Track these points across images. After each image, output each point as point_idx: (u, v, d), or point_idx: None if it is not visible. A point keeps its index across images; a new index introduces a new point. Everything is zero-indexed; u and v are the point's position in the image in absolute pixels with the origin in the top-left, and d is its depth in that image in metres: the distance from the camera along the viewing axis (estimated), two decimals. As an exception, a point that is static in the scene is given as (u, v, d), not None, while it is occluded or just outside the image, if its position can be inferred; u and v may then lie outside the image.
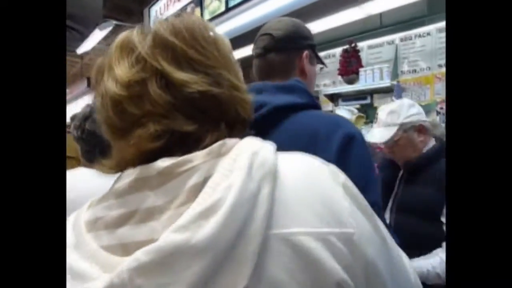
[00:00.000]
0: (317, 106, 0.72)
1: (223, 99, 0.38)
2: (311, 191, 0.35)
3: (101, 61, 0.39)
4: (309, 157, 0.40)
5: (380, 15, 3.02)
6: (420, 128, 1.16)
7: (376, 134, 1.16)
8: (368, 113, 3.05)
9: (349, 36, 3.17)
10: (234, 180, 0.32)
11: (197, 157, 0.34)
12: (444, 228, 0.99)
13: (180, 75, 0.36)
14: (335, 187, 0.37)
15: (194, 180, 0.33)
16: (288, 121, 0.67)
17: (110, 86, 0.36)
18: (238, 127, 0.41)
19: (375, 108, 3.12)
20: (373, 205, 0.62)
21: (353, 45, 2.82)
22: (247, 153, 0.34)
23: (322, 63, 0.84)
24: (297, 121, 0.67)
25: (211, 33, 0.40)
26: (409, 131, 1.14)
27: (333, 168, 0.40)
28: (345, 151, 0.61)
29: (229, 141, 0.36)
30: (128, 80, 0.36)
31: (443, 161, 1.10)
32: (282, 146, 0.66)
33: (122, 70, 0.36)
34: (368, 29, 3.24)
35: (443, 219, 1.00)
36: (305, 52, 0.78)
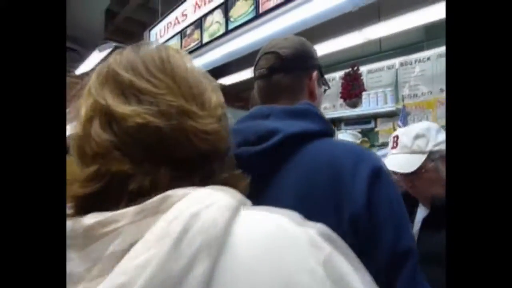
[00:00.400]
0: (332, 133, 0.64)
1: (167, 131, 0.33)
2: (270, 272, 0.26)
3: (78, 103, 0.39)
4: (283, 219, 0.31)
5: (380, 40, 3.04)
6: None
7: (399, 162, 0.93)
8: (370, 137, 3.00)
9: (349, 61, 3.19)
10: (155, 255, 0.25)
11: (126, 215, 0.29)
12: None
13: (121, 109, 0.33)
14: (311, 266, 0.27)
15: (116, 246, 0.27)
16: (303, 152, 0.59)
17: (76, 126, 0.36)
18: (206, 163, 0.35)
19: (377, 132, 3.09)
20: (408, 252, 0.52)
21: (355, 68, 2.81)
22: (186, 214, 0.27)
23: (327, 84, 0.76)
24: (314, 151, 0.58)
25: (172, 61, 0.37)
26: (436, 161, 0.93)
27: (316, 234, 0.30)
28: (374, 188, 0.53)
29: (176, 193, 0.30)
30: (83, 120, 0.35)
31: None
32: (300, 182, 0.56)
33: (83, 110, 0.36)
34: (368, 54, 3.26)
35: None
36: (315, 73, 0.71)
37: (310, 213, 0.55)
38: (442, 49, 2.80)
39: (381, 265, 0.51)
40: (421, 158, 0.92)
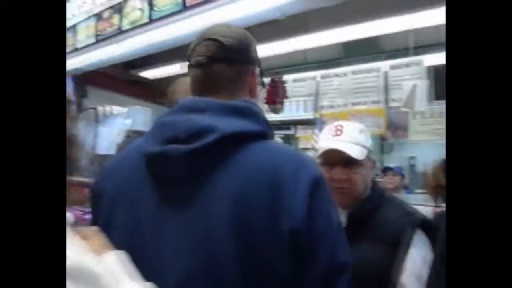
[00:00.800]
0: (273, 136, 0.60)
1: None
2: None
3: None
4: None
5: (305, 51, 3.21)
6: (373, 164, 0.97)
7: (348, 147, 0.89)
8: (290, 143, 3.14)
9: (276, 68, 3.29)
10: None
11: None
12: None
13: None
14: None
15: None
16: (241, 154, 0.53)
17: None
18: None
19: (297, 138, 3.25)
20: (344, 266, 0.51)
21: (280, 76, 2.91)
22: None
23: (263, 84, 0.72)
24: (253, 154, 0.54)
25: None
26: (369, 161, 0.94)
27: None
28: (315, 199, 0.51)
29: None
30: None
31: (385, 208, 0.91)
32: (235, 187, 0.51)
33: None
34: (294, 64, 3.42)
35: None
36: (257, 69, 0.65)
37: (244, 221, 0.49)
38: (357, 67, 3.10)
39: (316, 279, 0.50)
40: (364, 151, 0.91)
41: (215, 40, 0.61)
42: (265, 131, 0.57)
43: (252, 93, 0.65)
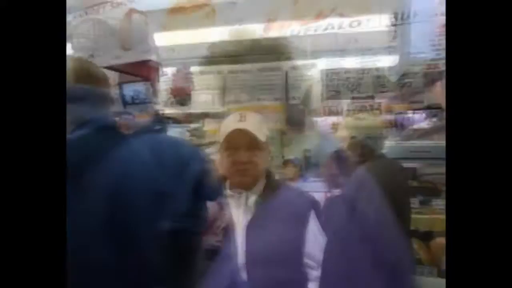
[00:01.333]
0: (163, 129, 0.57)
1: None
2: None
3: None
4: None
5: (211, 45, 3.20)
6: (269, 152, 1.15)
7: (253, 128, 1.00)
8: (198, 136, 3.11)
9: (182, 59, 3.19)
10: None
11: None
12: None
13: None
14: None
15: None
16: (121, 149, 0.51)
17: None
18: None
19: (205, 132, 3.24)
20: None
21: (186, 67, 2.85)
22: None
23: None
24: (133, 149, 0.51)
25: None
26: (267, 148, 1.12)
27: None
28: (199, 191, 0.52)
29: None
30: None
31: (283, 192, 1.04)
32: (112, 184, 0.49)
33: None
34: (201, 56, 3.38)
35: (308, 260, 0.90)
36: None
37: (121, 215, 0.48)
38: (262, 64, 3.26)
39: (198, 270, 0.52)
40: (264, 137, 1.04)
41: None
42: (150, 124, 0.56)
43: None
